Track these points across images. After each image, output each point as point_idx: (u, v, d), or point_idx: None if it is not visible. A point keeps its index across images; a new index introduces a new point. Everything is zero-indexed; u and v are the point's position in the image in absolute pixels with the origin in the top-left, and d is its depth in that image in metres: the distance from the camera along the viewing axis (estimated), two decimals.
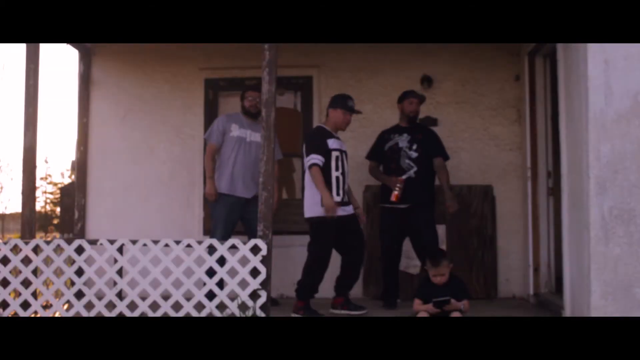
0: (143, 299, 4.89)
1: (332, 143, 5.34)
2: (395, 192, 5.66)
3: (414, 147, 5.80)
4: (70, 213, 8.02)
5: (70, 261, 5.16)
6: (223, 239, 5.52)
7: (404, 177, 5.73)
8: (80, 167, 6.85)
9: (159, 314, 4.83)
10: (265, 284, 4.75)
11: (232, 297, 4.82)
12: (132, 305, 4.88)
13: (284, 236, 6.36)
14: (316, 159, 5.25)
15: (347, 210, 5.36)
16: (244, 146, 5.87)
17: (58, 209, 16.16)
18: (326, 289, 5.57)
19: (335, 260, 5.58)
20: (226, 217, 5.79)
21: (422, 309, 4.47)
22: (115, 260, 4.97)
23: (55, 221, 16.92)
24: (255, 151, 5.79)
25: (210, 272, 4.90)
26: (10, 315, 4.98)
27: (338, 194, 5.26)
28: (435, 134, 6.02)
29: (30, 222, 5.33)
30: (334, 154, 5.32)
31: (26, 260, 5.00)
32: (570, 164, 4.86)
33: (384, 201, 5.83)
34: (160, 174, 6.84)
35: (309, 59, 6.72)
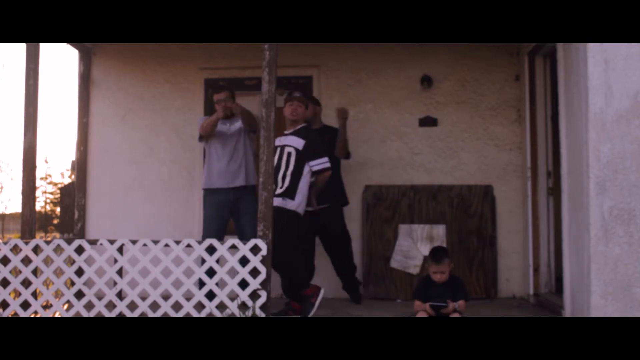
0: (143, 299, 4.89)
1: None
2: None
3: None
4: (70, 213, 8.03)
5: (70, 261, 5.16)
6: (212, 236, 5.52)
7: None
8: (80, 167, 6.85)
9: (159, 314, 4.83)
10: (265, 284, 4.75)
11: (232, 297, 4.82)
12: (132, 305, 4.88)
13: None
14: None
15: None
16: (225, 140, 5.78)
17: (58, 209, 16.17)
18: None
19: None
20: (213, 214, 5.73)
21: (422, 309, 4.47)
22: (115, 260, 4.96)
23: (55, 221, 16.93)
24: (236, 139, 5.77)
25: (210, 272, 4.90)
26: (10, 315, 4.97)
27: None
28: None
29: (30, 222, 5.32)
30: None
31: (26, 260, 5.00)
32: (570, 164, 4.86)
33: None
34: (160, 174, 6.84)
35: (309, 59, 6.72)
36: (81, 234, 6.76)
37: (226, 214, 5.78)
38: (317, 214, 5.56)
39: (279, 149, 5.36)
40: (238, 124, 5.79)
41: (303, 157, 5.31)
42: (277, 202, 5.17)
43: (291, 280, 5.24)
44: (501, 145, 6.56)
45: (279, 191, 5.25)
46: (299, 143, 5.33)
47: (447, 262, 4.52)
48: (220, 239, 5.49)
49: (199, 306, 4.85)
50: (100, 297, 4.94)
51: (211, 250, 4.90)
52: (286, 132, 5.50)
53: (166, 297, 4.86)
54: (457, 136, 6.60)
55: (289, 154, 5.31)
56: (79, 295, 4.95)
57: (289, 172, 5.28)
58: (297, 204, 5.26)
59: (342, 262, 6.02)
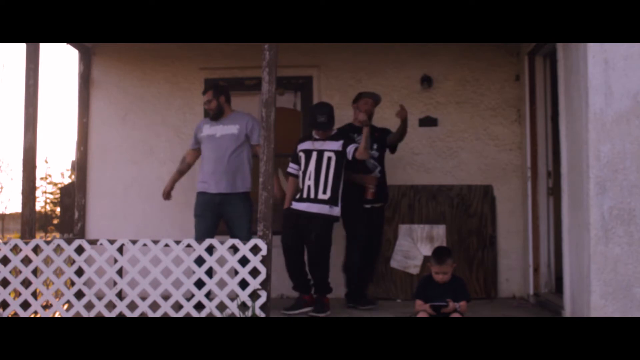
0: (143, 299, 4.90)
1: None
2: (372, 190, 5.72)
3: (375, 146, 5.82)
4: (70, 213, 8.03)
5: (70, 261, 5.17)
6: (198, 236, 5.53)
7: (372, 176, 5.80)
8: (80, 167, 6.85)
9: (159, 314, 4.83)
10: (265, 284, 4.76)
11: (232, 297, 4.82)
12: (132, 305, 4.89)
13: None
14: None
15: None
16: (213, 143, 5.74)
17: (58, 209, 16.17)
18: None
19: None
20: (199, 213, 5.72)
21: (422, 309, 4.46)
22: (115, 260, 4.97)
23: (55, 221, 16.91)
24: (226, 144, 5.67)
25: (210, 272, 4.90)
26: (10, 315, 4.98)
27: None
28: (389, 132, 6.01)
29: (30, 222, 5.33)
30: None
31: (26, 260, 5.00)
32: (570, 164, 4.86)
33: (360, 201, 5.74)
34: (160, 174, 6.82)
35: (309, 59, 6.72)
36: (81, 234, 6.76)
37: (212, 214, 5.70)
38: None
39: (316, 153, 5.50)
40: (230, 129, 5.71)
41: (342, 157, 5.50)
42: (324, 209, 5.38)
43: (321, 279, 5.44)
44: (501, 145, 6.56)
45: (322, 197, 5.40)
46: (338, 145, 5.51)
47: (449, 262, 4.51)
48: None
49: (199, 306, 4.85)
50: (100, 297, 4.94)
51: (211, 250, 4.90)
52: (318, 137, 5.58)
53: (166, 297, 4.86)
54: (457, 136, 6.60)
55: (329, 159, 5.47)
56: (79, 295, 4.95)
57: (330, 177, 5.45)
58: (340, 209, 5.47)
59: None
